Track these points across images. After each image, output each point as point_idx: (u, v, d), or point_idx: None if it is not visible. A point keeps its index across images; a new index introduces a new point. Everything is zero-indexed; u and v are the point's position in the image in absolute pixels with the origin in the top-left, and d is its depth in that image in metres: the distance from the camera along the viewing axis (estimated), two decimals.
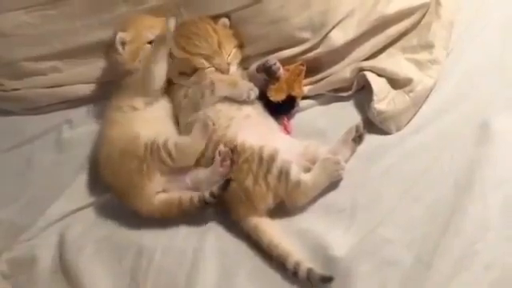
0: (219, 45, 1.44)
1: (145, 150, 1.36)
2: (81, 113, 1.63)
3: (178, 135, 1.42)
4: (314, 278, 1.21)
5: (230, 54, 1.46)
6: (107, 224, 1.42)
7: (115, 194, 1.42)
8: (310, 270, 1.21)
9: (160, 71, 1.44)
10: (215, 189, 1.31)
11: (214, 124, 1.36)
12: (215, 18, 1.50)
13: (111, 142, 1.42)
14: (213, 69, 1.45)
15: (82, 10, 1.58)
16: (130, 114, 1.44)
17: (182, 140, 1.37)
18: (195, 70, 1.45)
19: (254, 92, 1.41)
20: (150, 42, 1.46)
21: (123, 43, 1.45)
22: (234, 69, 1.47)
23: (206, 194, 1.31)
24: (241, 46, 1.50)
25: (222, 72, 1.44)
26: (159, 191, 1.37)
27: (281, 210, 1.33)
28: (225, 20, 1.50)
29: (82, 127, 1.60)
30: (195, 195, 1.33)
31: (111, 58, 1.50)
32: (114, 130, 1.43)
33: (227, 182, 1.30)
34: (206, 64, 1.44)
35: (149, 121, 1.43)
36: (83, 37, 1.60)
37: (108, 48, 1.51)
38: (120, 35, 1.44)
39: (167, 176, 1.37)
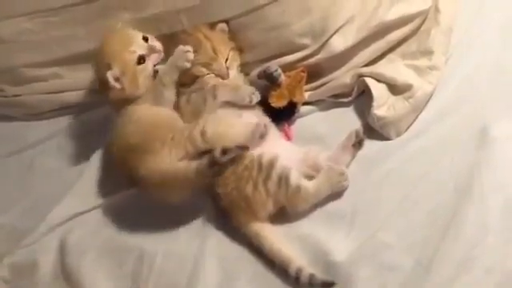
0: (214, 50, 1.44)
1: (179, 130, 1.34)
2: (82, 118, 1.63)
3: None
4: (315, 283, 1.21)
5: (228, 58, 1.46)
6: (108, 228, 1.42)
7: (130, 158, 1.36)
8: (311, 276, 1.22)
9: (170, 95, 1.42)
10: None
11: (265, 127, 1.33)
12: (215, 24, 1.50)
13: (141, 116, 1.38)
14: (212, 75, 1.45)
15: (84, 17, 1.58)
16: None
17: (222, 127, 1.33)
18: (195, 78, 1.45)
19: (256, 96, 1.40)
20: (139, 60, 1.39)
21: (117, 79, 1.39)
22: (233, 73, 1.47)
23: (217, 152, 1.27)
24: (239, 49, 1.50)
25: (222, 77, 1.44)
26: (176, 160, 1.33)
27: (282, 216, 1.33)
28: (223, 25, 1.49)
29: (82, 133, 1.61)
30: (204, 159, 1.28)
31: (114, 95, 1.40)
32: (147, 109, 1.40)
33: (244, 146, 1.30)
34: (205, 71, 1.45)
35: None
36: (84, 43, 1.59)
37: (103, 90, 1.42)
38: (109, 74, 1.37)
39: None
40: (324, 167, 1.34)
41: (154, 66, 1.43)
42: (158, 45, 1.43)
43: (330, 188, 1.33)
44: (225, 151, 1.27)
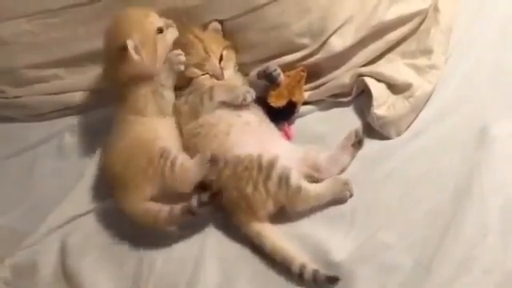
0: (205, 50, 1.44)
1: (157, 154, 1.34)
2: (82, 119, 1.63)
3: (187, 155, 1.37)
4: (319, 279, 1.21)
5: (222, 58, 1.46)
6: (109, 230, 1.42)
7: (113, 186, 1.39)
8: (315, 272, 1.22)
9: (170, 95, 1.43)
10: (204, 197, 1.28)
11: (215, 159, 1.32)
12: (208, 24, 1.50)
13: (133, 138, 1.39)
14: (207, 76, 1.45)
15: (84, 18, 1.59)
16: (152, 120, 1.42)
17: (188, 162, 1.33)
18: (190, 80, 1.45)
19: (251, 95, 1.39)
20: (158, 30, 1.41)
21: (136, 49, 1.38)
22: (229, 72, 1.47)
23: (194, 203, 1.29)
24: (234, 48, 1.50)
25: (217, 77, 1.44)
26: (148, 199, 1.35)
27: (282, 216, 1.33)
28: (215, 24, 1.50)
29: (83, 134, 1.61)
30: (177, 206, 1.30)
31: (130, 69, 1.39)
32: (138, 128, 1.40)
33: (218, 193, 1.30)
34: (199, 72, 1.45)
35: (170, 127, 1.43)
36: (85, 44, 1.60)
37: (118, 65, 1.41)
38: (129, 42, 1.36)
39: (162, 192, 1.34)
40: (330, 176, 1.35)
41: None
42: (170, 22, 1.45)
43: (332, 195, 1.33)
44: (201, 203, 1.28)
